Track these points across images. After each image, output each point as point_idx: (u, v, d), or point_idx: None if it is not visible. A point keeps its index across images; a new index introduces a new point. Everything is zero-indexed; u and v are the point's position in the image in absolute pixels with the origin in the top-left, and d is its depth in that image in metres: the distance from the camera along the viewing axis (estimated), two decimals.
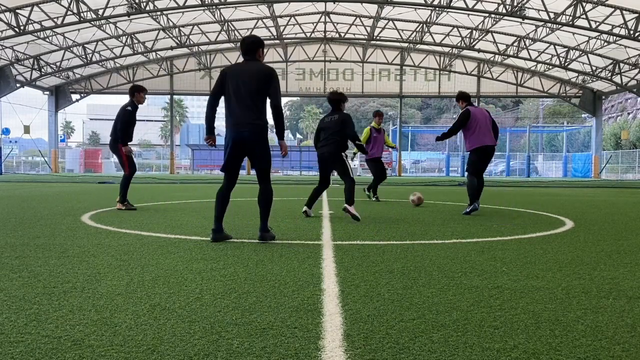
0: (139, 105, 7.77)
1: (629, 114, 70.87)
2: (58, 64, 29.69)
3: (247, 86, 4.50)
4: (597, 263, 3.64)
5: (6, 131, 32.71)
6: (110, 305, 2.44)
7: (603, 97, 35.07)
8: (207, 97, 4.78)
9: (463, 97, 7.71)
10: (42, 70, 29.72)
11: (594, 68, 29.26)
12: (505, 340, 2.01)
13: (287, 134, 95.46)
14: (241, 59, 4.75)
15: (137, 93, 7.67)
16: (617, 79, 29.41)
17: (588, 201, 10.51)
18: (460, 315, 2.33)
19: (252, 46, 4.64)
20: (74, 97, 34.95)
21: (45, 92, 33.68)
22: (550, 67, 30.61)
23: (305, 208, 6.69)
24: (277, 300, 2.56)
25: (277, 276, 3.09)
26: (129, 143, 7.67)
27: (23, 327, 2.11)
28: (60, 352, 1.84)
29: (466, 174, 7.54)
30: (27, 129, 32.42)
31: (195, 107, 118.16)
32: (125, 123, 7.49)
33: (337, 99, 6.66)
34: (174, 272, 3.19)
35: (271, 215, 6.79)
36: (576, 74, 31.37)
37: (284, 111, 4.67)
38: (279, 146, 4.81)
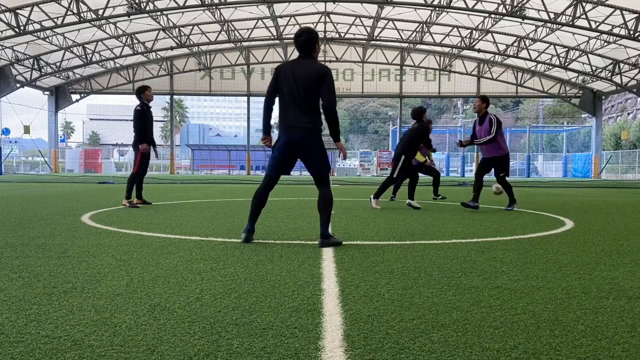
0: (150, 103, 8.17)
1: (629, 114, 70.86)
2: (58, 64, 29.69)
3: (300, 87, 4.31)
4: (597, 263, 3.64)
5: (6, 131, 32.70)
6: (110, 305, 2.44)
7: (603, 97, 35.07)
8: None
9: (488, 101, 8.22)
10: (42, 70, 29.72)
11: (594, 68, 29.26)
12: (505, 340, 2.01)
13: None
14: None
15: (143, 93, 8.02)
16: (617, 79, 29.41)
17: (588, 201, 10.51)
18: (460, 315, 2.33)
19: (307, 43, 4.41)
20: (74, 97, 34.95)
21: (45, 92, 33.67)
22: (550, 67, 30.62)
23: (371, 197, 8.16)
24: (277, 300, 2.56)
25: (277, 276, 3.09)
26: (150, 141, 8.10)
27: (23, 327, 2.11)
28: (60, 352, 1.84)
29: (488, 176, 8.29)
30: (27, 129, 32.42)
31: (195, 107, 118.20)
32: (138, 122, 7.88)
33: (419, 111, 8.48)
34: (174, 272, 3.19)
35: (271, 215, 6.81)
36: (576, 74, 31.37)
37: None
38: (338, 148, 4.64)
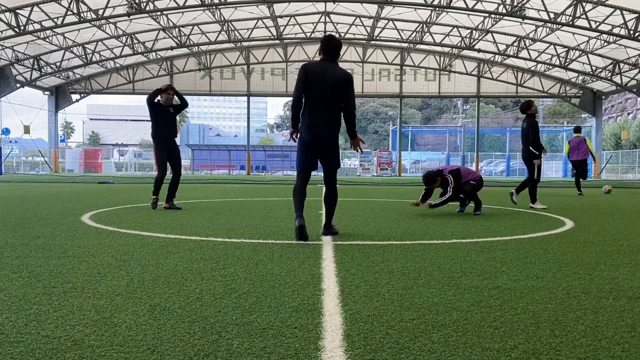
0: (164, 103, 7.87)
1: (629, 114, 70.86)
2: (58, 64, 29.69)
3: (329, 89, 4.66)
4: (597, 263, 3.64)
5: (6, 131, 32.70)
6: (110, 305, 2.44)
7: (603, 97, 35.07)
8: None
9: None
10: (42, 70, 29.72)
11: (594, 68, 29.26)
12: (505, 340, 2.01)
13: (288, 134, 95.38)
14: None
15: (162, 95, 7.80)
16: (617, 79, 29.41)
17: (588, 201, 10.51)
18: (460, 315, 2.33)
19: (337, 48, 4.82)
20: (74, 97, 34.94)
21: (45, 92, 33.67)
22: (550, 67, 30.61)
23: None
24: (277, 300, 2.56)
25: (277, 276, 3.09)
26: (170, 139, 7.88)
27: (23, 327, 2.11)
28: (60, 352, 1.84)
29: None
30: (27, 129, 32.42)
31: (195, 107, 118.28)
32: (152, 118, 7.72)
33: (526, 105, 8.65)
34: (174, 272, 3.19)
35: (271, 214, 6.81)
36: (576, 74, 31.37)
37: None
38: (352, 144, 4.95)
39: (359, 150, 5.02)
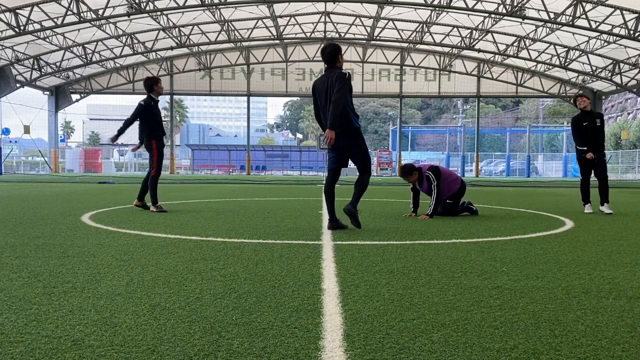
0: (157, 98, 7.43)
1: (629, 114, 70.86)
2: (58, 64, 29.69)
3: (327, 97, 5.08)
4: (597, 263, 3.64)
5: (6, 131, 32.71)
6: (110, 305, 2.44)
7: (603, 97, 35.08)
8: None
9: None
10: (42, 70, 29.72)
11: (594, 68, 29.26)
12: (505, 340, 2.01)
13: (287, 134, 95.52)
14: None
15: (155, 85, 7.35)
16: (617, 79, 29.42)
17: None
18: (460, 315, 2.33)
19: (330, 55, 5.15)
20: (74, 97, 34.94)
21: (45, 92, 33.67)
22: (550, 67, 30.62)
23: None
24: (277, 300, 2.56)
25: (277, 276, 3.09)
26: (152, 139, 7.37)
27: (23, 327, 2.11)
28: (60, 352, 1.84)
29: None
30: (27, 129, 32.42)
31: (195, 107, 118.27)
32: (147, 117, 7.23)
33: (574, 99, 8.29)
34: (174, 272, 3.19)
35: (271, 214, 6.82)
36: (576, 74, 31.38)
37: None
38: (325, 134, 5.21)
39: (327, 144, 5.17)
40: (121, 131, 7.26)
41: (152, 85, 7.37)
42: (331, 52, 5.15)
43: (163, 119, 7.67)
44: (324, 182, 5.30)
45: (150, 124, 7.30)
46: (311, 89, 5.35)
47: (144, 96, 7.46)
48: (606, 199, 7.84)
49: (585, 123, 7.72)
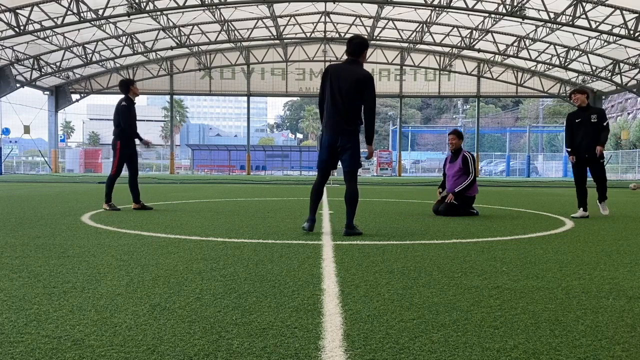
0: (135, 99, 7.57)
1: (629, 114, 70.86)
2: (58, 64, 29.69)
3: (345, 90, 4.73)
4: (597, 263, 3.64)
5: (6, 131, 32.71)
6: (110, 305, 2.44)
7: (603, 97, 35.07)
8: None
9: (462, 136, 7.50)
10: (42, 70, 29.72)
11: (594, 68, 29.26)
12: (505, 340, 2.01)
13: (287, 134, 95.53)
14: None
15: (132, 86, 7.41)
16: (617, 79, 29.41)
17: (588, 201, 10.49)
18: (460, 315, 2.33)
19: (359, 47, 4.82)
20: (74, 97, 34.96)
21: (45, 92, 33.68)
22: (550, 67, 30.62)
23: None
24: (277, 300, 2.56)
25: (277, 276, 3.09)
26: (134, 139, 7.56)
27: (23, 327, 2.11)
28: (60, 352, 1.84)
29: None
30: (27, 129, 32.42)
31: (195, 107, 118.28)
32: (125, 117, 7.26)
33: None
34: (174, 272, 3.19)
35: (271, 214, 6.81)
36: (576, 74, 31.38)
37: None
38: (367, 151, 5.03)
39: (368, 157, 5.13)
40: (137, 135, 7.52)
41: (128, 85, 7.41)
42: (359, 45, 4.83)
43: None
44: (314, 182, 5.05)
45: (127, 121, 7.31)
46: (324, 73, 4.87)
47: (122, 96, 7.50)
48: (603, 196, 7.47)
49: (579, 120, 7.12)
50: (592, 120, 7.01)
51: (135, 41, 28.50)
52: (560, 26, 23.30)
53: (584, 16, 21.26)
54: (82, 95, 35.64)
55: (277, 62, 34.13)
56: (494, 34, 26.76)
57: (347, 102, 4.73)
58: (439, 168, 45.21)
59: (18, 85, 29.43)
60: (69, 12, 21.65)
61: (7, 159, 36.04)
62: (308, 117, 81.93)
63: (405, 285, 2.89)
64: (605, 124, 7.06)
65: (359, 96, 4.73)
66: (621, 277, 3.20)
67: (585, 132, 7.03)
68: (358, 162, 4.88)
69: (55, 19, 22.48)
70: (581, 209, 7.20)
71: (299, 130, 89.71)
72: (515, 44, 28.11)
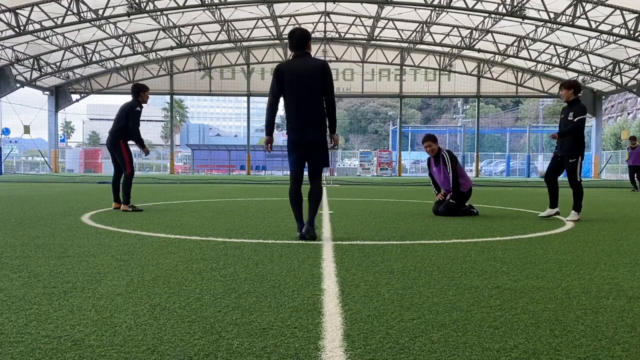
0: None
1: (629, 114, 70.86)
2: (58, 64, 29.69)
3: (308, 84, 4.51)
4: (597, 263, 3.64)
5: (6, 131, 32.69)
6: (110, 305, 2.44)
7: (603, 97, 35.08)
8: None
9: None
10: (42, 70, 29.71)
11: (594, 68, 29.25)
12: (505, 340, 2.01)
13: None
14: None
15: (143, 93, 7.54)
16: (617, 79, 29.41)
17: (588, 201, 10.49)
18: (460, 315, 2.33)
19: (303, 39, 4.62)
20: (74, 97, 34.93)
21: (45, 92, 33.66)
22: (550, 67, 30.61)
23: None
24: (277, 300, 2.56)
25: (277, 276, 3.09)
26: (129, 142, 7.64)
27: (23, 327, 2.11)
28: (60, 352, 1.84)
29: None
30: (27, 129, 32.41)
31: (195, 107, 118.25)
32: (136, 122, 7.42)
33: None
34: (174, 272, 3.19)
35: (271, 214, 6.81)
36: (576, 74, 31.36)
37: (284, 111, 4.74)
38: (332, 140, 4.82)
39: (335, 147, 4.88)
40: (140, 141, 7.52)
41: (139, 91, 7.50)
42: (302, 37, 4.60)
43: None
44: (289, 187, 4.73)
45: (127, 128, 7.41)
46: (278, 72, 4.57)
47: (130, 99, 7.58)
48: (576, 206, 6.60)
49: (562, 116, 6.70)
50: (569, 118, 6.51)
51: (135, 41, 28.49)
52: (560, 26, 23.30)
53: (584, 16, 21.26)
54: (82, 95, 35.63)
55: (278, 62, 34.01)
56: (494, 34, 26.76)
57: (312, 96, 4.51)
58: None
59: (18, 85, 29.41)
60: (69, 12, 21.64)
61: (7, 159, 36.03)
62: None
63: (405, 285, 2.89)
64: (576, 119, 6.43)
65: (322, 87, 4.51)
66: (621, 277, 3.20)
67: (563, 129, 6.60)
68: (327, 159, 4.70)
69: (55, 19, 22.48)
70: (550, 209, 6.84)
71: None
72: (515, 44, 28.10)
